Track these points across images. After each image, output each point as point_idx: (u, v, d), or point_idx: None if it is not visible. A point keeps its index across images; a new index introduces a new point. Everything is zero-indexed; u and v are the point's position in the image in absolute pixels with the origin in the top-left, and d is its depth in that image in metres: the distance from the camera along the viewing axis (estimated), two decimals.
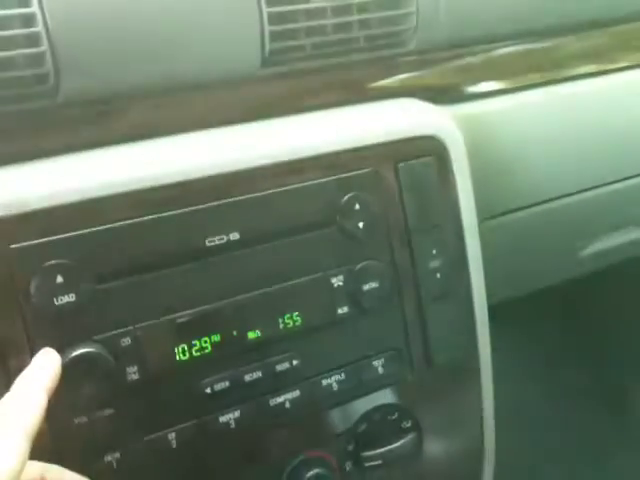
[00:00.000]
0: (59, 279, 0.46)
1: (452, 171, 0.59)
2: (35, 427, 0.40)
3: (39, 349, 0.46)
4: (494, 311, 0.65)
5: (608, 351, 1.30)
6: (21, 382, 0.43)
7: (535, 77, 0.68)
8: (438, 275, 0.58)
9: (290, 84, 0.59)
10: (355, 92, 0.61)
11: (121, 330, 0.48)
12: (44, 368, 0.44)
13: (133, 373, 0.49)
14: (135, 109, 0.54)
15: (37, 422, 0.40)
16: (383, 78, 0.63)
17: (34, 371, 0.44)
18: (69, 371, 0.46)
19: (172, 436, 0.50)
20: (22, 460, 0.37)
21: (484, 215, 0.66)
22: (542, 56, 0.69)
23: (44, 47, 0.48)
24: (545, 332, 1.35)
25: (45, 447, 0.46)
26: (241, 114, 0.57)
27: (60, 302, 0.46)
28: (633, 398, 1.29)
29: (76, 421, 0.48)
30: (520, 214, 0.75)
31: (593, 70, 0.71)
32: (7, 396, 0.42)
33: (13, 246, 0.46)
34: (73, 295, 0.47)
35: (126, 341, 0.48)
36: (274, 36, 0.55)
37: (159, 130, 0.54)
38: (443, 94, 0.64)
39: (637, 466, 1.21)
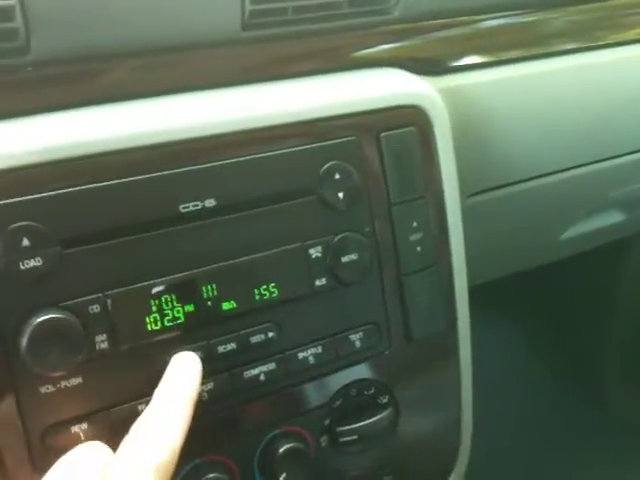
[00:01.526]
0: (25, 242, 0.44)
1: (435, 142, 0.58)
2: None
3: (2, 314, 0.44)
4: (474, 292, 0.65)
5: (585, 337, 1.30)
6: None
7: (520, 51, 0.67)
8: (418, 248, 0.57)
9: (272, 50, 0.57)
10: (337, 60, 0.60)
11: (90, 297, 0.46)
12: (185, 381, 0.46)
13: (102, 342, 0.47)
14: (109, 71, 0.52)
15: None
16: (366, 47, 0.61)
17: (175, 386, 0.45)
18: (35, 338, 0.44)
19: (142, 408, 0.48)
20: None
21: (465, 192, 0.64)
22: (528, 30, 0.68)
23: (13, 1, 0.46)
24: (525, 314, 1.35)
25: (10, 416, 0.45)
26: (220, 79, 0.55)
27: (26, 266, 0.44)
28: (612, 388, 1.30)
29: (42, 390, 0.46)
30: (500, 192, 0.74)
31: (579, 46, 0.70)
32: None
33: None
34: (40, 259, 0.45)
35: (95, 308, 0.46)
36: None
37: (134, 93, 0.52)
38: (426, 65, 0.63)
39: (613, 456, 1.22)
